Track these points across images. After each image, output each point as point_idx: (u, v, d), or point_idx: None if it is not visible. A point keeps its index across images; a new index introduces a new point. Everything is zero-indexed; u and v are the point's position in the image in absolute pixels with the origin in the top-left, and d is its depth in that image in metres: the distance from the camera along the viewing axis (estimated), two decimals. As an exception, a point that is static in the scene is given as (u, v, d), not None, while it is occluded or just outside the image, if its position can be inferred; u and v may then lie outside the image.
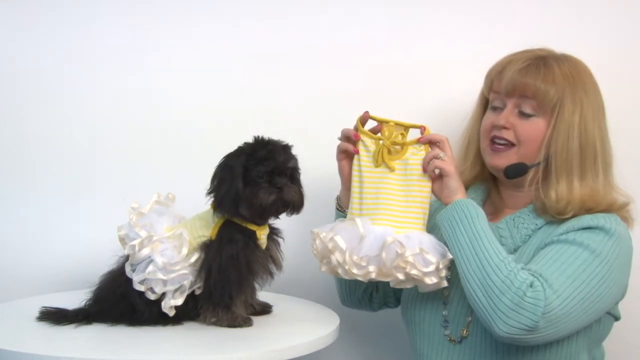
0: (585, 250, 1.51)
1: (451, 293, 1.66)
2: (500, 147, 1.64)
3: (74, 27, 2.02)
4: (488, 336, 1.58)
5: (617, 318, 1.68)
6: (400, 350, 2.08)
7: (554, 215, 1.59)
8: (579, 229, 1.54)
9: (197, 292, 1.58)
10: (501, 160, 1.64)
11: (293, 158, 1.59)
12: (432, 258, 1.52)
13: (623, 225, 1.58)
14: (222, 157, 1.59)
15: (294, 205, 1.59)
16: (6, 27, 2.01)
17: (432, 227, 1.62)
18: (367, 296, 1.82)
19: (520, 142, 1.62)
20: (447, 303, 1.66)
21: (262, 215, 1.59)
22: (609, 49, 2.05)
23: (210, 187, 1.58)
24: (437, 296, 1.67)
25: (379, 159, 1.60)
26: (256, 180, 1.55)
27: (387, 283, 1.57)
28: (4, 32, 2.01)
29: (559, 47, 1.70)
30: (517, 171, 1.62)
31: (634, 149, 2.02)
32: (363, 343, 2.13)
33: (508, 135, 1.62)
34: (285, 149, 1.59)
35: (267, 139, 1.58)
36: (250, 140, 1.59)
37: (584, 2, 2.09)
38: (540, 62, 1.63)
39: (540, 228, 1.62)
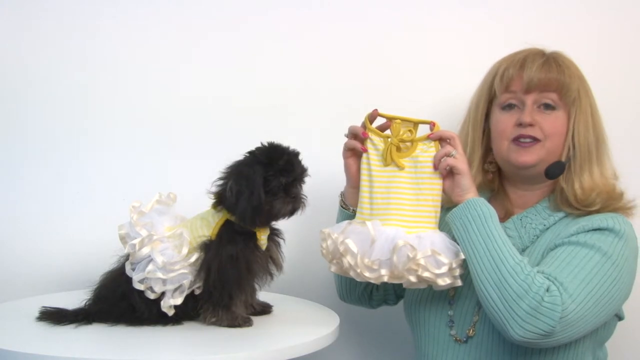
0: (597, 252, 1.51)
1: (457, 293, 1.66)
2: (526, 143, 1.63)
3: (75, 26, 2.02)
4: (495, 335, 1.58)
5: (621, 318, 1.69)
6: (400, 350, 2.08)
7: (580, 208, 1.60)
8: (588, 231, 1.55)
9: (197, 292, 1.58)
10: (530, 157, 1.63)
11: (305, 167, 1.60)
12: (445, 259, 1.51)
13: (629, 225, 1.59)
14: (234, 164, 1.57)
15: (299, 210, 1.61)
16: (6, 26, 2.01)
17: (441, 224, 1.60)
18: (367, 294, 1.82)
19: (546, 137, 1.62)
20: (452, 303, 1.66)
21: (271, 222, 1.61)
22: (606, 47, 2.07)
23: (227, 199, 1.56)
24: (442, 296, 1.67)
25: (388, 158, 1.58)
26: (274, 190, 1.55)
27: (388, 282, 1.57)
28: (4, 32, 2.01)
29: (559, 46, 1.70)
30: (558, 170, 1.63)
31: (632, 149, 2.03)
32: (363, 343, 2.13)
33: (534, 132, 1.62)
34: (298, 157, 1.59)
35: (280, 146, 1.58)
36: (259, 145, 1.58)
37: (583, 2, 2.10)
38: (551, 57, 1.65)
39: (548, 228, 1.63)
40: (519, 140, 1.63)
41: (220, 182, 1.60)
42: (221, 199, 1.59)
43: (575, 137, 1.63)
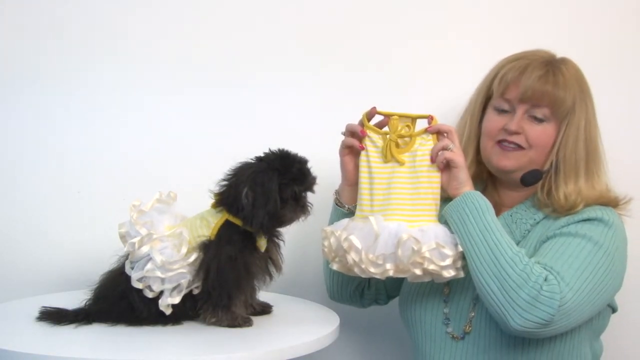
0: (589, 242, 1.53)
1: (451, 290, 1.67)
2: (509, 147, 1.64)
3: (76, 25, 2.02)
4: (492, 330, 1.59)
5: (614, 310, 1.71)
6: (400, 349, 2.08)
7: (565, 213, 1.60)
8: (578, 221, 1.57)
9: (195, 291, 1.58)
10: (510, 162, 1.64)
11: (315, 176, 1.60)
12: (449, 251, 1.52)
13: (618, 217, 1.62)
14: (246, 170, 1.56)
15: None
16: (7, 28, 2.00)
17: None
18: (358, 292, 1.82)
19: (531, 146, 1.63)
20: (447, 300, 1.67)
21: (278, 228, 1.62)
22: (607, 50, 2.07)
23: (243, 206, 1.55)
24: (437, 294, 1.68)
25: (388, 154, 1.59)
26: (285, 198, 1.56)
27: (380, 280, 1.57)
28: (6, 32, 2.00)
29: (558, 47, 1.71)
30: (533, 178, 1.64)
31: (632, 150, 2.04)
32: (363, 343, 2.13)
33: (519, 139, 1.63)
34: (307, 163, 1.60)
35: (291, 153, 1.58)
36: (267, 151, 1.58)
37: (583, 3, 2.10)
38: (552, 68, 1.64)
39: (538, 222, 1.65)
40: (502, 144, 1.65)
41: (224, 182, 1.60)
42: (222, 200, 1.59)
43: (562, 151, 1.63)
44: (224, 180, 1.60)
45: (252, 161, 1.59)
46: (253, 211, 1.54)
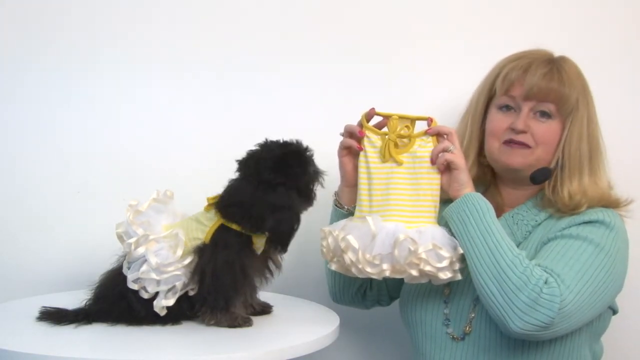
0: (590, 244, 1.53)
1: (452, 291, 1.67)
2: (516, 146, 1.64)
3: (79, 24, 2.02)
4: (492, 331, 1.59)
5: (615, 311, 1.70)
6: (400, 350, 2.08)
7: (568, 213, 1.61)
8: (580, 224, 1.57)
9: (191, 292, 1.57)
10: (518, 160, 1.64)
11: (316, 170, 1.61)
12: (446, 253, 1.52)
13: (620, 219, 1.62)
14: (253, 161, 1.57)
15: None
16: (7, 27, 2.00)
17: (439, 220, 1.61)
18: (360, 293, 1.82)
19: (538, 144, 1.63)
20: (448, 301, 1.67)
21: None
22: (607, 50, 2.07)
23: (262, 227, 1.56)
24: (437, 295, 1.68)
25: (386, 154, 1.59)
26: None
27: (382, 281, 1.57)
28: (6, 32, 2.00)
29: (558, 47, 1.71)
30: (543, 176, 1.64)
31: (632, 151, 2.04)
32: (363, 343, 2.13)
33: (525, 138, 1.63)
34: (307, 162, 1.59)
35: (295, 145, 1.58)
36: (269, 143, 1.59)
37: (583, 3, 2.10)
38: (555, 66, 1.65)
39: (540, 224, 1.64)
40: (509, 143, 1.65)
41: (231, 190, 1.60)
42: (220, 204, 1.59)
43: (566, 147, 1.64)
44: (229, 187, 1.59)
45: (259, 179, 1.56)
46: (280, 231, 1.56)
